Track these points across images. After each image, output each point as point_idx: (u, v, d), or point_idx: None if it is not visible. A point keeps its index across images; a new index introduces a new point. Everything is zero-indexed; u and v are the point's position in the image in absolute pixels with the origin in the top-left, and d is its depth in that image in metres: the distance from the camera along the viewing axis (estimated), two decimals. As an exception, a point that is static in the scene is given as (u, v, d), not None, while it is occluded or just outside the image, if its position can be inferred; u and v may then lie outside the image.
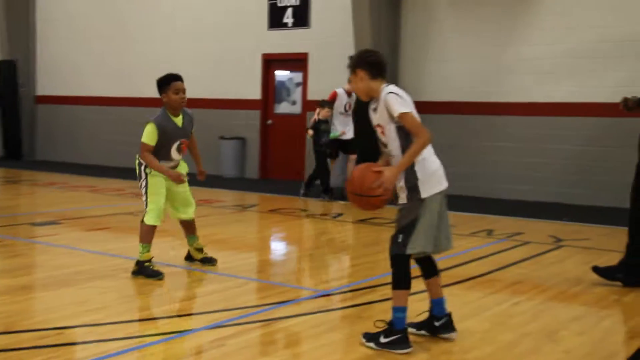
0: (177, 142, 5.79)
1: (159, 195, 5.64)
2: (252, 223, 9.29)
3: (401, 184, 4.01)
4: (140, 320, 4.64)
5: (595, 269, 5.76)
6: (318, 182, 10.93)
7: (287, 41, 13.43)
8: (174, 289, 5.23)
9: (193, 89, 14.51)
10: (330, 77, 12.87)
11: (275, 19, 13.56)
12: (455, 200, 10.64)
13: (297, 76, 13.60)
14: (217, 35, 14.25)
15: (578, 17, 10.81)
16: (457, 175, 11.77)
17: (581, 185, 10.71)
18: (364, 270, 6.17)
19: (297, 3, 13.27)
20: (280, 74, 13.84)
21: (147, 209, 5.60)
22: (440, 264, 6.34)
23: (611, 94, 10.00)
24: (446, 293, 5.29)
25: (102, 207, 9.70)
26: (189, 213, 5.96)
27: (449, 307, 4.33)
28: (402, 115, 3.98)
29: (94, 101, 15.76)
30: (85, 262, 6.09)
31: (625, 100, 5.69)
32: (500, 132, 11.48)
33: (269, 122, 13.72)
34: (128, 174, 13.88)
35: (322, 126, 10.66)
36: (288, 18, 13.41)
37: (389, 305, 4.14)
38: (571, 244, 7.59)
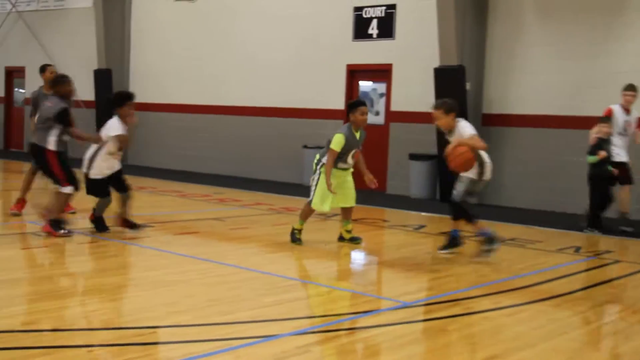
0: (353, 151, 7.34)
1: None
2: (335, 232, 9.34)
3: None
4: (226, 323, 4.76)
5: None
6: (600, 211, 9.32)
7: (371, 52, 13.49)
8: (259, 294, 5.34)
9: (278, 98, 14.84)
10: (413, 88, 12.84)
11: (360, 29, 13.65)
12: (537, 215, 10.45)
13: (381, 87, 13.62)
14: (302, 45, 14.45)
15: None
16: (541, 189, 11.54)
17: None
18: (448, 282, 6.12)
19: (382, 15, 13.32)
20: (364, 85, 13.90)
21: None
22: (522, 281, 6.24)
23: None
24: (534, 309, 5.18)
25: (190, 212, 9.98)
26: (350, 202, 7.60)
27: (536, 324, 4.24)
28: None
29: (181, 108, 16.26)
30: (174, 265, 6.30)
31: None
32: (585, 147, 11.14)
33: (352, 132, 13.78)
34: (214, 180, 14.28)
35: (604, 146, 9.06)
36: (373, 29, 13.48)
37: (475, 318, 4.09)
38: (665, 264, 7.29)
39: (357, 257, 7.58)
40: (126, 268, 6.43)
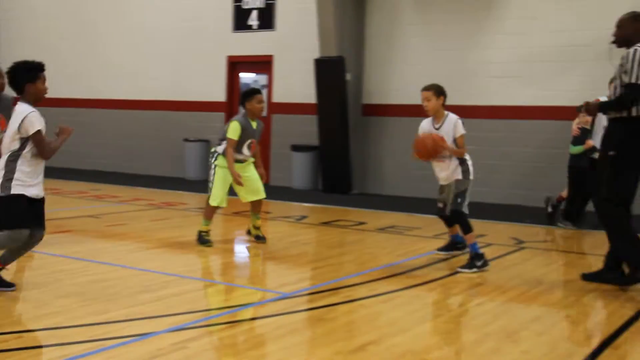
0: (249, 141, 7.03)
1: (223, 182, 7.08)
2: (216, 225, 9.22)
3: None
4: (101, 323, 4.58)
5: (585, 276, 5.81)
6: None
7: (252, 43, 13.41)
8: (135, 292, 5.18)
9: (159, 91, 14.48)
10: (295, 79, 12.89)
11: (241, 20, 13.53)
12: (418, 203, 10.79)
13: (262, 78, 13.58)
14: (183, 36, 14.16)
15: (539, 22, 11.01)
16: (423, 178, 11.91)
17: (539, 187, 10.88)
18: (327, 272, 6.18)
19: (263, 5, 13.26)
20: (245, 76, 13.81)
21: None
22: (399, 268, 6.41)
23: (571, 98, 10.22)
24: (408, 295, 5.33)
25: (64, 209, 9.56)
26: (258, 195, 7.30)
27: (411, 309, 4.35)
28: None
29: (59, 103, 15.52)
30: (45, 265, 6.00)
31: (587, 104, 5.81)
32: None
33: (234, 124, 13.67)
34: (93, 176, 13.74)
35: (588, 136, 8.62)
36: (253, 20, 13.40)
37: (353, 306, 4.15)
38: (532, 245, 7.71)
39: (239, 250, 7.53)
40: (-8, 271, 6.05)
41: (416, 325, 4.58)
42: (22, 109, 5.02)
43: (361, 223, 8.94)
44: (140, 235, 7.57)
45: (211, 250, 7.02)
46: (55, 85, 15.93)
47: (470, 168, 6.47)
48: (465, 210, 6.38)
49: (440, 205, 6.70)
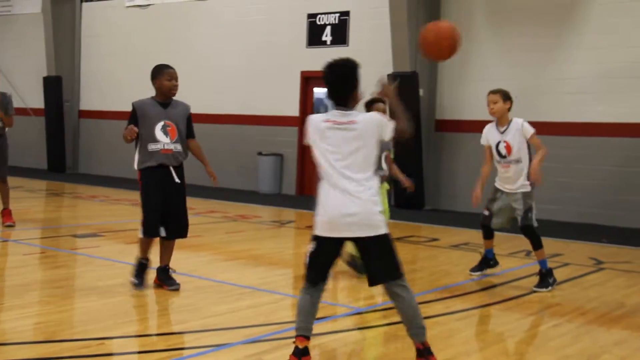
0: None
1: None
2: (289, 239, 9.33)
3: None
4: (177, 333, 4.70)
5: None
6: None
7: (325, 58, 13.48)
8: (211, 303, 5.28)
9: (232, 105, 14.76)
10: (368, 95, 12.91)
11: (314, 36, 13.68)
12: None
13: (335, 93, 13.65)
14: (256, 52, 14.41)
15: (618, 37, 10.70)
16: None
17: (614, 207, 10.53)
18: (401, 288, 6.13)
19: (336, 21, 13.37)
20: (319, 91, 13.93)
21: None
22: (478, 284, 6.31)
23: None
24: (483, 313, 5.24)
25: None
26: None
27: (486, 327, 4.28)
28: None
29: (135, 116, 16.07)
30: (125, 275, 6.19)
31: None
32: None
33: (307, 139, 13.80)
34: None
35: None
36: (327, 36, 13.53)
37: (427, 323, 4.09)
38: (612, 266, 7.46)
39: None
40: (74, 279, 6.29)
41: (490, 344, 4.50)
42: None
43: (434, 239, 8.85)
44: (216, 247, 7.71)
45: (284, 263, 7.09)
46: (131, 100, 16.53)
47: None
48: (536, 224, 6.15)
49: (487, 213, 6.43)
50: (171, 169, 5.61)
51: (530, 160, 6.21)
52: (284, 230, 9.96)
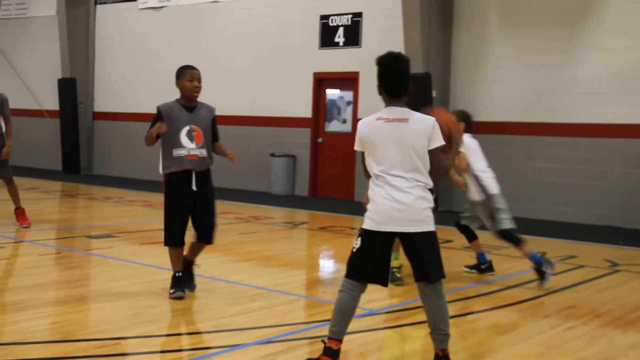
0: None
1: None
2: (302, 240, 9.34)
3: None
4: (191, 333, 4.71)
5: None
6: None
7: (338, 60, 13.53)
8: (224, 304, 5.29)
9: (244, 106, 14.80)
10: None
11: (327, 38, 13.69)
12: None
13: (348, 95, 13.67)
14: (269, 53, 14.44)
15: (633, 38, 10.63)
16: (519, 196, 11.66)
17: (630, 209, 10.46)
18: (414, 290, 6.12)
19: (349, 23, 13.38)
20: (331, 93, 13.94)
21: None
22: (493, 286, 6.29)
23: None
24: (498, 315, 5.23)
25: (156, 221, 9.86)
26: None
27: (501, 330, 4.26)
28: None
29: (146, 117, 16.12)
30: (138, 275, 6.22)
31: None
32: (549, 153, 11.32)
33: (320, 140, 13.81)
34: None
35: None
36: (339, 37, 13.53)
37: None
38: (628, 269, 7.41)
39: (326, 265, 7.57)
40: (89, 279, 6.32)
41: (506, 346, 4.48)
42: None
43: (447, 241, 8.82)
44: (229, 248, 7.73)
45: (297, 264, 7.09)
46: (145, 101, 16.61)
47: (486, 182, 6.40)
48: (507, 225, 6.28)
49: (461, 215, 6.77)
50: (193, 174, 5.42)
51: (476, 170, 6.50)
52: (297, 231, 9.97)
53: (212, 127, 5.65)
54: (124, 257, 6.97)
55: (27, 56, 18.24)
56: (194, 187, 5.42)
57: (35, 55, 18.06)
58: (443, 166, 3.90)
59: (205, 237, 5.55)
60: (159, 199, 12.56)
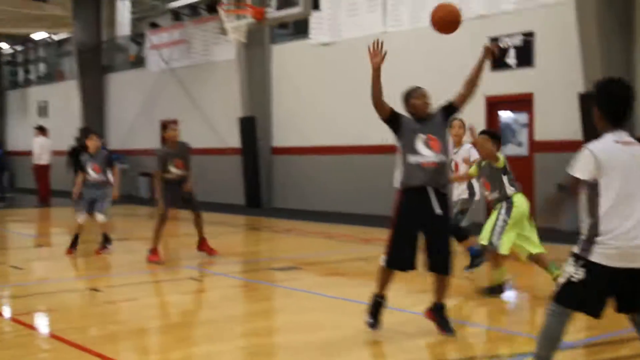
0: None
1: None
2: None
3: None
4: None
5: None
6: None
7: (510, 81, 13.19)
8: (412, 335, 5.26)
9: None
10: (557, 117, 12.40)
11: (498, 59, 13.40)
12: None
13: (522, 117, 13.26)
14: (440, 79, 14.38)
15: None
16: None
17: None
18: (608, 322, 5.77)
19: (520, 43, 13.03)
20: (505, 115, 13.60)
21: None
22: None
23: None
24: None
25: (337, 252, 10.10)
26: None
27: None
28: None
29: (324, 151, 16.63)
30: (326, 308, 6.38)
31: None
32: None
33: (495, 164, 13.47)
34: (356, 220, 14.33)
35: None
36: (511, 58, 13.21)
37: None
38: None
39: (509, 295, 7.34)
40: (277, 311, 6.59)
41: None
42: None
43: None
44: (410, 279, 7.68)
45: (479, 294, 6.94)
46: (321, 134, 17.14)
47: (476, 187, 7.86)
48: (464, 224, 7.77)
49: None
50: (432, 194, 5.00)
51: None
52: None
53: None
54: (310, 289, 7.19)
55: (212, 98, 19.58)
56: (438, 210, 5.12)
57: (219, 96, 19.33)
58: None
59: (438, 266, 5.19)
60: (336, 229, 12.81)
